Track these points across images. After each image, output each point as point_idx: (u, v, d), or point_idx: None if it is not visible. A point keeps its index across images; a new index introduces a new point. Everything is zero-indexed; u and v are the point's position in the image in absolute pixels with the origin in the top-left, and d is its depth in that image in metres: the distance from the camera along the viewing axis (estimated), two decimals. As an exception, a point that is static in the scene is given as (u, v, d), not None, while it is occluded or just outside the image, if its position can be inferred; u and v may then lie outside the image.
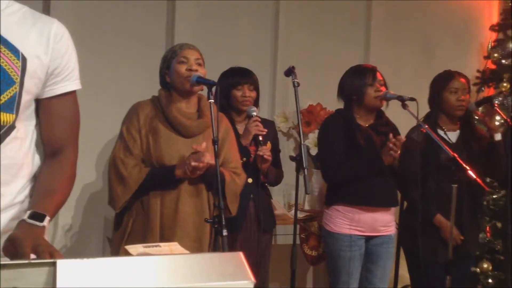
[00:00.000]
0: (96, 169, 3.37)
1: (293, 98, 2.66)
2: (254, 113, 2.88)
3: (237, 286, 1.05)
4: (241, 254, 1.13)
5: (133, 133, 2.48)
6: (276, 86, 3.85)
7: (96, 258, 1.00)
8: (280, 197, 3.81)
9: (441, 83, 3.15)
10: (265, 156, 2.80)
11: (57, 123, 1.55)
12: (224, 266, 1.09)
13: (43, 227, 1.40)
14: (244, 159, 2.84)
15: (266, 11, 3.86)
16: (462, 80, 3.15)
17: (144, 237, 2.39)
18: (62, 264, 0.97)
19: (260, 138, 2.82)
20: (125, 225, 2.50)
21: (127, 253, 1.60)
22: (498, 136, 3.08)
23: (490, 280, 3.85)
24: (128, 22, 3.46)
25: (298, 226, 3.29)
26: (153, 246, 1.68)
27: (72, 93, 1.57)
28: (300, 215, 3.48)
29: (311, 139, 3.74)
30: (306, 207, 3.77)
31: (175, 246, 1.72)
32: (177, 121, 2.48)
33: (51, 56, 1.49)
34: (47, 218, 1.42)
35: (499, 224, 3.86)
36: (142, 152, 2.48)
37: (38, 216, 1.41)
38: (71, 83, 1.55)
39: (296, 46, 3.94)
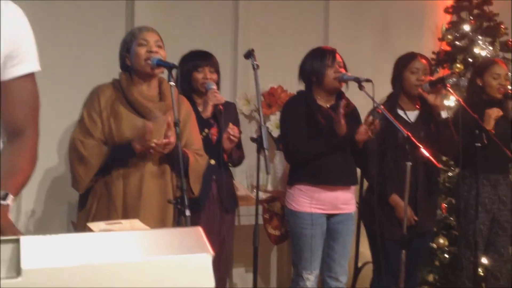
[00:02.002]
0: (58, 153, 3.35)
1: (254, 81, 2.69)
2: (213, 87, 2.91)
3: (196, 258, 1.09)
4: (200, 228, 1.17)
5: (94, 117, 2.48)
6: (238, 69, 3.87)
7: (59, 235, 1.02)
8: (243, 178, 3.86)
9: (403, 63, 3.22)
10: (231, 137, 2.84)
11: (17, 105, 1.55)
12: (183, 240, 1.13)
13: (7, 205, 1.42)
14: (206, 130, 2.88)
15: (226, -7, 3.87)
16: (424, 61, 3.22)
17: (108, 217, 2.38)
18: (26, 241, 0.99)
19: (220, 107, 2.86)
20: (89, 206, 2.50)
21: (90, 230, 1.62)
22: (444, 114, 3.17)
23: (446, 255, 3.98)
24: (88, 4, 3.43)
25: (261, 207, 3.35)
26: (115, 223, 1.71)
27: (31, 75, 1.57)
28: (263, 196, 3.55)
29: (273, 121, 3.78)
30: (269, 188, 3.82)
31: (136, 223, 1.75)
32: (139, 103, 2.49)
33: (9, 38, 1.48)
34: (11, 197, 1.43)
35: (454, 201, 3.99)
36: (103, 135, 2.48)
37: (1, 195, 1.42)
38: (30, 64, 1.54)
39: (256, 29, 3.96)
